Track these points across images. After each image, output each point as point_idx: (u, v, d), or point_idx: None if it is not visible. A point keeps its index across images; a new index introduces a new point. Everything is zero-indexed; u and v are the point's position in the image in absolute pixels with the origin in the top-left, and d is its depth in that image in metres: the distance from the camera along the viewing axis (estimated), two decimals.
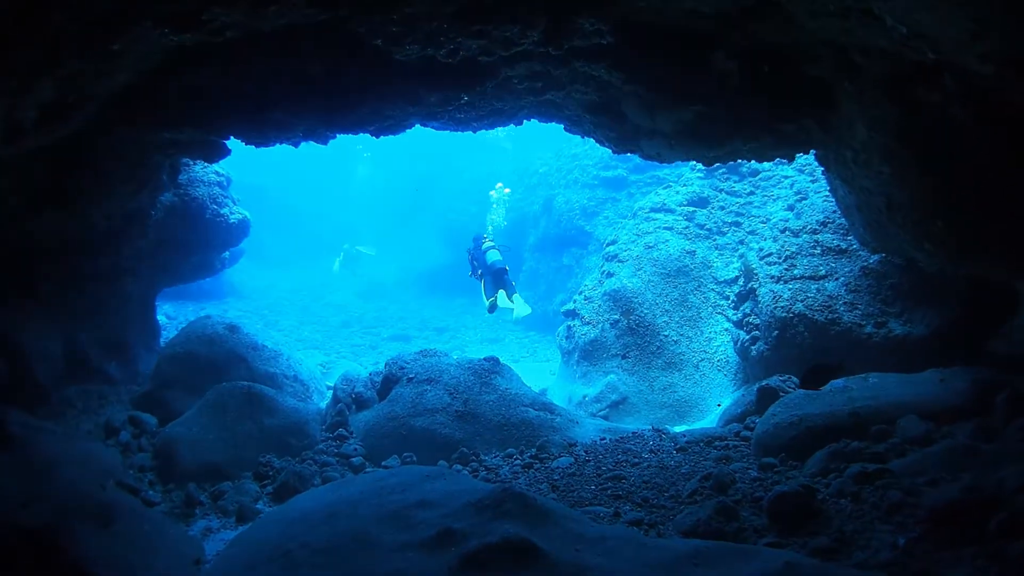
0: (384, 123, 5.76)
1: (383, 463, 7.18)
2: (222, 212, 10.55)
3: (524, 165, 23.64)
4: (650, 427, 7.63)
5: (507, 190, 21.35)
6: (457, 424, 7.51)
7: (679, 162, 7.11)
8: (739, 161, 12.37)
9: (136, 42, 4.11)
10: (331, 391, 8.93)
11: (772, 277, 9.34)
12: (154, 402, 8.41)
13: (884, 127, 5.32)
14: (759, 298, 9.37)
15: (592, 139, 7.23)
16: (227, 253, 12.19)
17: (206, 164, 10.58)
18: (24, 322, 7.77)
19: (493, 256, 11.31)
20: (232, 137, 6.16)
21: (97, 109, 4.89)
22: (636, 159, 17.79)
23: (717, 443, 6.82)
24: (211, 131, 5.89)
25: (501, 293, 11.08)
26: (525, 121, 7.15)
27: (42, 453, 6.06)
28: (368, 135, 6.09)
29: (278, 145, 6.36)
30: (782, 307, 8.77)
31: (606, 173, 18.28)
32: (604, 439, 7.35)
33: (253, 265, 25.64)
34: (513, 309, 11.31)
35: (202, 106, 5.48)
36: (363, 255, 24.98)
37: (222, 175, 10.77)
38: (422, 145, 33.30)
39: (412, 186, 28.04)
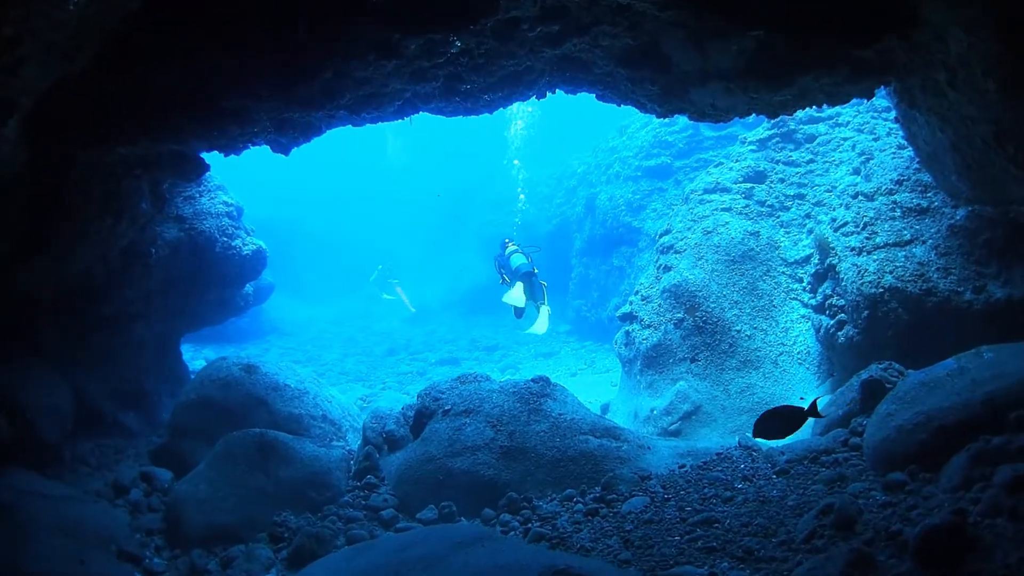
0: (359, 92, 4.63)
1: (418, 515, 6.04)
2: (233, 244, 9.70)
3: (561, 168, 22.51)
4: (736, 443, 6.30)
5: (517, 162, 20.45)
6: (503, 463, 6.26)
7: (737, 119, 5.86)
8: (793, 128, 11.31)
9: (28, 20, 3.16)
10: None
11: (852, 249, 8.29)
12: (170, 455, 7.70)
13: (985, 30, 4.15)
14: (841, 275, 8.26)
15: (632, 106, 6.03)
16: (250, 288, 11.38)
17: (213, 195, 9.84)
18: (28, 378, 7.20)
19: (517, 260, 10.41)
20: (192, 142, 5.20)
21: (27, 123, 3.98)
22: (679, 143, 16.64)
23: (823, 458, 5.48)
24: (166, 138, 4.93)
25: (521, 287, 10.02)
26: (548, 93, 5.98)
27: (27, 522, 5.46)
28: (346, 119, 4.98)
29: (252, 148, 5.38)
30: (869, 282, 7.75)
31: (648, 162, 17.01)
32: (684, 466, 6.04)
33: (294, 301, 25.22)
34: (537, 320, 10.25)
35: (149, 110, 4.56)
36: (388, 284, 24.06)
37: (231, 204, 9.94)
38: (455, 157, 32.86)
39: (442, 197, 27.04)
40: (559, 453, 6.33)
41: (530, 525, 5.41)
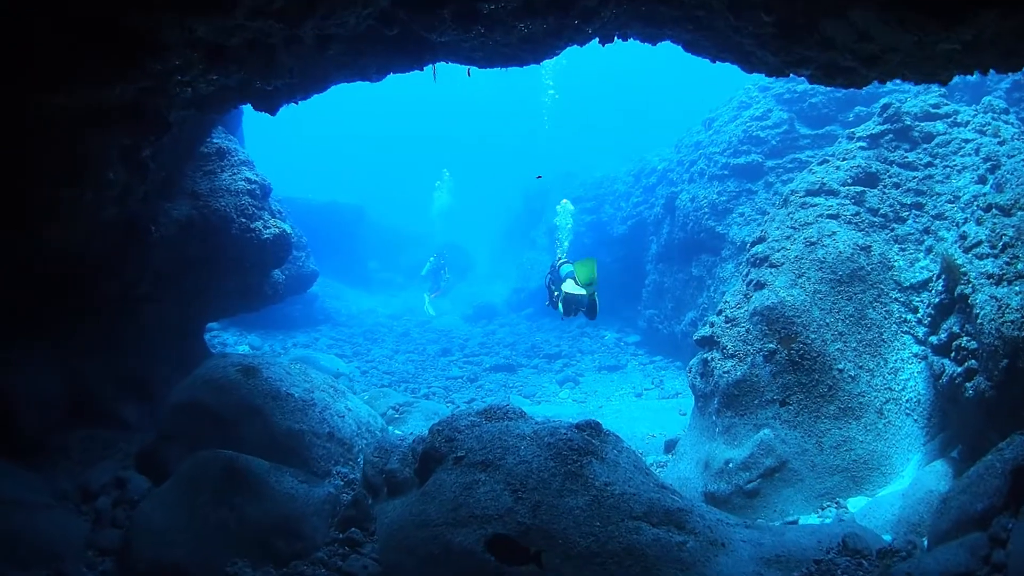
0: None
1: None
2: (252, 226, 8.60)
3: (639, 165, 20.74)
4: (840, 540, 4.55)
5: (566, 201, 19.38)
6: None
7: (878, 78, 4.16)
8: (909, 124, 9.36)
9: None
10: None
11: (988, 276, 6.56)
12: (154, 460, 6.72)
13: None
14: (975, 308, 6.52)
15: (732, 60, 4.43)
16: (279, 275, 10.28)
17: (235, 170, 8.77)
18: (12, 362, 6.62)
19: (567, 268, 9.17)
20: (117, 86, 3.92)
21: None
22: (772, 139, 14.69)
23: None
24: (78, 82, 3.68)
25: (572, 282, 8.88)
26: (617, 37, 4.43)
27: None
28: (344, 65, 3.58)
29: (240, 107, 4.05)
30: (1012, 322, 6.04)
31: (736, 160, 15.11)
32: None
33: (354, 291, 24.46)
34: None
35: (62, 49, 3.34)
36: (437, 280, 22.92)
37: (255, 182, 8.86)
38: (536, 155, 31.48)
39: (542, 179, 25.70)
40: (597, 544, 4.63)
41: None
